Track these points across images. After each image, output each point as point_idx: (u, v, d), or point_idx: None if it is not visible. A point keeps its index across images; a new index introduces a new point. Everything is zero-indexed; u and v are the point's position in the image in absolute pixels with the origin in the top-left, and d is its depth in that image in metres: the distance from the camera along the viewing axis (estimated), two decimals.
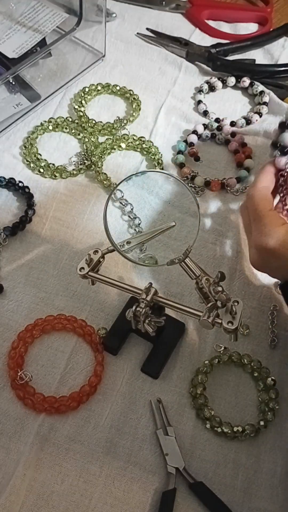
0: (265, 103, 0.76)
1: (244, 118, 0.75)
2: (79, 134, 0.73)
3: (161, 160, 0.71)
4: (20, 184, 0.67)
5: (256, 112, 0.76)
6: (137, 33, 0.86)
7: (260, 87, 0.78)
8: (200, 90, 0.78)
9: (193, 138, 0.72)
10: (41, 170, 0.69)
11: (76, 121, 0.74)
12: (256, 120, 0.75)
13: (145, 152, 0.72)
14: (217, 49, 0.82)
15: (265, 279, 0.62)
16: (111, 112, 0.77)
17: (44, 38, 0.76)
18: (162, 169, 0.70)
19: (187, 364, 0.56)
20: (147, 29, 0.86)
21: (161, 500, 0.48)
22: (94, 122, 0.74)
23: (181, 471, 0.50)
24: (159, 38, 0.85)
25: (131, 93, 0.78)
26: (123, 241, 0.55)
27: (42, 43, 0.75)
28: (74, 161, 0.70)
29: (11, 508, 0.48)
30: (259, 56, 0.84)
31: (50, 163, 0.69)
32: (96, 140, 0.73)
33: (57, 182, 0.69)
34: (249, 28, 0.88)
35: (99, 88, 0.78)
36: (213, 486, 0.49)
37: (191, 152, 0.71)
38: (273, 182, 0.55)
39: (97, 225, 0.65)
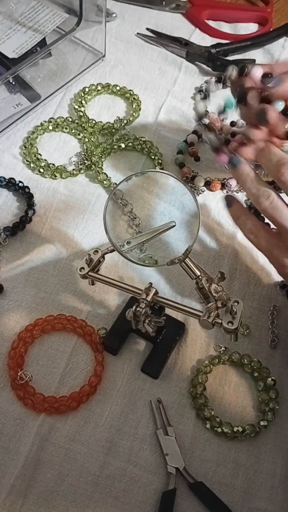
0: None
1: None
2: (79, 134, 0.73)
3: (161, 160, 0.71)
4: (20, 184, 0.67)
5: None
6: (137, 33, 0.86)
7: None
8: (200, 90, 0.78)
9: (193, 138, 0.72)
10: (41, 170, 0.69)
11: (76, 121, 0.74)
12: None
13: (145, 152, 0.72)
14: (217, 49, 0.82)
15: (265, 278, 0.62)
16: (111, 112, 0.77)
17: (44, 38, 0.76)
18: (162, 169, 0.70)
19: (187, 364, 0.56)
20: (147, 29, 0.86)
21: (161, 500, 0.48)
22: (94, 122, 0.74)
23: (181, 471, 0.50)
24: (159, 38, 0.85)
25: (131, 93, 0.78)
26: (123, 241, 0.55)
27: (42, 43, 0.75)
28: (74, 161, 0.71)
29: (11, 508, 0.48)
30: (259, 56, 0.84)
31: (50, 163, 0.69)
32: (96, 140, 0.73)
33: (57, 182, 0.69)
34: (249, 28, 0.88)
35: (99, 88, 0.78)
36: (213, 486, 0.49)
37: (191, 152, 0.71)
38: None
39: (97, 225, 0.65)
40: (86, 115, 0.75)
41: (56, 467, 0.50)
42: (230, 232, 0.65)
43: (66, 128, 0.74)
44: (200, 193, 0.69)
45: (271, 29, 0.87)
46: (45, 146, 0.73)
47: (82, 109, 0.75)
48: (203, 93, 0.56)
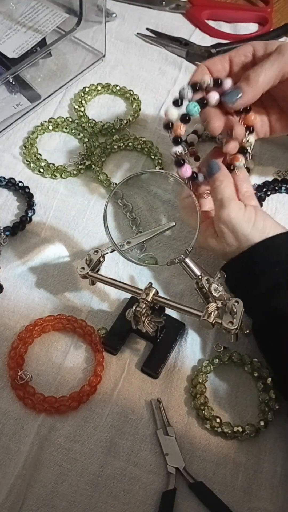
0: None
1: None
2: (79, 134, 0.73)
3: (161, 160, 0.71)
4: (20, 184, 0.67)
5: None
6: (137, 33, 0.86)
7: None
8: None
9: (193, 138, 0.72)
10: (41, 170, 0.69)
11: (76, 121, 0.74)
12: None
13: (145, 152, 0.72)
14: (217, 49, 0.82)
15: None
16: (111, 112, 0.77)
17: (44, 38, 0.76)
18: (162, 169, 0.70)
19: (187, 364, 0.56)
20: (147, 29, 0.86)
21: (161, 500, 0.48)
22: (94, 122, 0.74)
23: (181, 471, 0.50)
24: (159, 38, 0.85)
25: (131, 93, 0.78)
26: (123, 241, 0.55)
27: (42, 43, 0.76)
28: (74, 161, 0.70)
29: (11, 508, 0.48)
30: None
31: (50, 163, 0.69)
32: (96, 140, 0.73)
33: (57, 182, 0.69)
34: (249, 28, 0.88)
35: (99, 88, 0.78)
36: (213, 486, 0.49)
37: (191, 152, 0.71)
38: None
39: (97, 225, 0.65)
40: (86, 115, 0.75)
41: (56, 467, 0.50)
42: None
43: (66, 128, 0.74)
44: None
45: (271, 29, 0.88)
46: (45, 146, 0.73)
47: (82, 109, 0.75)
48: (178, 100, 0.57)
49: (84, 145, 0.72)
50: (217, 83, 0.56)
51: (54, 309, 0.59)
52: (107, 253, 0.55)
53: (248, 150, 0.59)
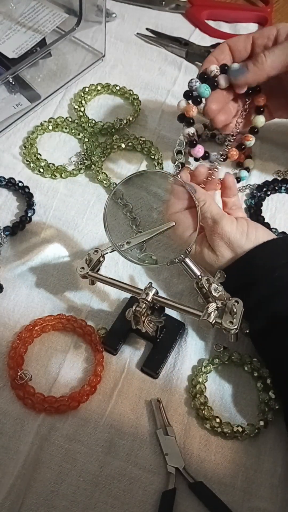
0: None
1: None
2: (79, 134, 0.73)
3: (161, 160, 0.71)
4: (20, 184, 0.67)
5: None
6: (137, 33, 0.86)
7: None
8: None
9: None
10: (41, 170, 0.69)
11: (76, 121, 0.74)
12: None
13: (145, 152, 0.72)
14: None
15: None
16: (111, 112, 0.77)
17: (44, 38, 0.76)
18: (162, 169, 0.70)
19: (187, 364, 0.56)
20: (147, 29, 0.86)
21: (161, 500, 0.48)
22: (94, 122, 0.74)
23: (181, 471, 0.50)
24: (159, 38, 0.85)
25: (131, 93, 0.78)
26: (123, 241, 0.55)
27: (42, 43, 0.76)
28: (74, 161, 0.71)
29: (11, 507, 0.48)
30: None
31: (50, 163, 0.69)
32: (96, 140, 0.73)
33: (57, 182, 0.69)
34: (249, 28, 0.88)
35: (99, 88, 0.78)
36: (213, 486, 0.49)
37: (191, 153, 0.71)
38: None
39: (97, 225, 0.65)
40: (86, 115, 0.75)
41: (56, 467, 0.50)
42: None
43: (66, 128, 0.74)
44: None
45: None
46: (45, 146, 0.73)
47: (82, 109, 0.75)
48: (189, 92, 0.59)
49: (84, 145, 0.72)
50: (224, 69, 0.58)
51: (54, 309, 0.59)
52: (107, 253, 0.55)
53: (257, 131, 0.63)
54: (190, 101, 0.59)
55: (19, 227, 0.63)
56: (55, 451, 0.51)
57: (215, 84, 0.59)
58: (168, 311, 0.54)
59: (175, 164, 0.59)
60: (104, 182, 0.68)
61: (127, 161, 0.72)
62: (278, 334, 0.52)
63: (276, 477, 0.50)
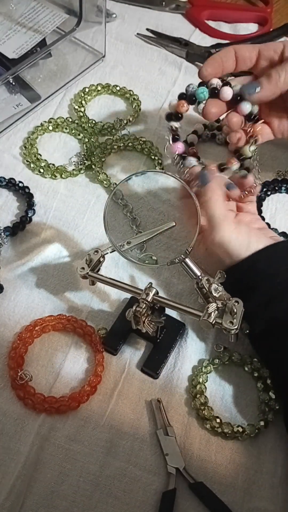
0: None
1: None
2: (79, 134, 0.73)
3: (161, 160, 0.71)
4: (20, 184, 0.67)
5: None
6: (137, 33, 0.86)
7: None
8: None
9: (193, 138, 0.72)
10: (41, 170, 0.69)
11: (76, 121, 0.74)
12: None
13: (145, 152, 0.72)
14: (217, 49, 0.82)
15: None
16: (111, 112, 0.77)
17: (44, 39, 0.76)
18: (162, 169, 0.70)
19: (187, 364, 0.56)
20: (147, 29, 0.86)
21: (161, 500, 0.48)
22: (94, 122, 0.74)
23: (181, 471, 0.50)
24: (159, 38, 0.85)
25: (131, 93, 0.78)
26: (123, 241, 0.55)
27: (42, 44, 0.76)
28: (74, 161, 0.71)
29: (11, 508, 0.48)
30: None
31: (50, 163, 0.69)
32: (96, 140, 0.73)
33: (57, 182, 0.69)
34: (249, 28, 0.88)
35: (99, 88, 0.78)
36: (213, 486, 0.49)
37: (191, 152, 0.71)
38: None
39: (97, 225, 0.65)
40: (86, 115, 0.75)
41: (56, 467, 0.50)
42: None
43: (66, 128, 0.74)
44: None
45: (271, 29, 0.88)
46: (45, 146, 0.73)
47: (82, 109, 0.75)
48: (184, 94, 0.58)
49: (84, 145, 0.72)
50: (226, 83, 0.57)
51: (54, 309, 0.59)
52: (107, 253, 0.55)
53: (255, 165, 0.60)
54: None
55: (19, 227, 0.63)
56: (56, 452, 0.51)
57: (216, 92, 0.57)
58: (168, 311, 0.54)
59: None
60: (104, 182, 0.68)
61: (127, 162, 0.72)
62: (278, 337, 0.51)
63: (276, 477, 0.50)
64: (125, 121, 0.74)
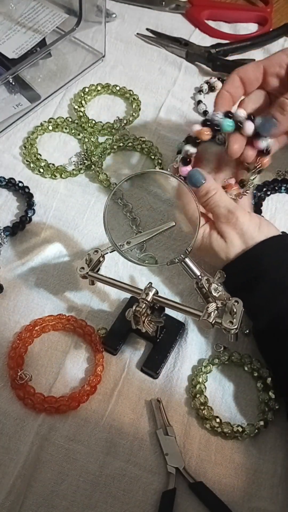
0: None
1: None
2: (79, 134, 0.73)
3: (161, 160, 0.71)
4: (20, 184, 0.67)
5: None
6: (137, 33, 0.86)
7: None
8: (200, 90, 0.79)
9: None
10: (41, 170, 0.69)
11: (76, 121, 0.74)
12: None
13: (145, 152, 0.72)
14: (217, 49, 0.82)
15: None
16: (111, 112, 0.77)
17: (44, 39, 0.76)
18: (162, 169, 0.70)
19: (187, 364, 0.56)
20: (147, 29, 0.86)
21: (161, 500, 0.48)
22: (94, 122, 0.74)
23: (181, 471, 0.50)
24: (159, 38, 0.85)
25: (131, 93, 0.78)
26: (123, 241, 0.55)
27: (42, 44, 0.76)
28: (74, 161, 0.71)
29: (11, 507, 0.48)
30: (259, 56, 0.84)
31: (50, 163, 0.69)
32: (96, 140, 0.73)
33: (57, 182, 0.69)
34: (249, 28, 0.88)
35: (99, 88, 0.78)
36: (213, 486, 0.49)
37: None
38: None
39: (97, 225, 0.65)
40: (86, 115, 0.75)
41: (56, 467, 0.50)
42: None
43: (66, 128, 0.74)
44: None
45: (271, 29, 0.88)
46: (45, 146, 0.73)
47: (82, 109, 0.75)
48: (207, 121, 0.57)
49: (84, 145, 0.72)
50: (251, 117, 0.57)
51: (54, 309, 0.59)
52: (107, 253, 0.55)
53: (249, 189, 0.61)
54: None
55: (19, 227, 0.63)
56: (55, 451, 0.51)
57: (240, 125, 0.57)
58: (168, 311, 0.54)
59: (176, 159, 0.58)
60: (104, 182, 0.68)
61: (127, 161, 0.72)
62: (282, 333, 0.52)
63: (276, 477, 0.50)
64: (125, 121, 0.74)
